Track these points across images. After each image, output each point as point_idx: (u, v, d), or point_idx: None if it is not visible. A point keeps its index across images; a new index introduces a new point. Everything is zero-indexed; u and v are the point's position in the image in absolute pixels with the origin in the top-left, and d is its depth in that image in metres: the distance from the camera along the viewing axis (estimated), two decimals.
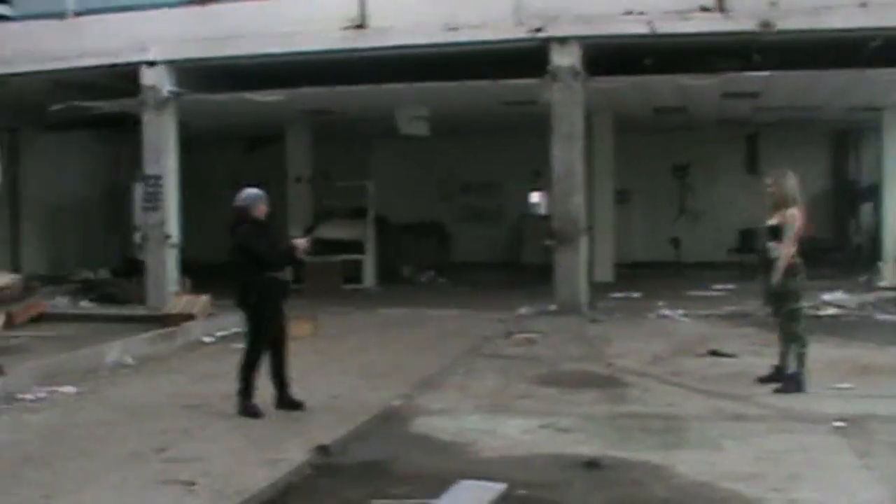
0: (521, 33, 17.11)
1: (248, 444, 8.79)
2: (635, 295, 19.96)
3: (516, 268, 27.68)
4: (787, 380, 10.85)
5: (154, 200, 18.76)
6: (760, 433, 9.05)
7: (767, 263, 11.14)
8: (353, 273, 22.48)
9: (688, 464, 8.00)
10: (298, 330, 14.82)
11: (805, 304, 11.36)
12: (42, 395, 11.16)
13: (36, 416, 10.20)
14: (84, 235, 27.06)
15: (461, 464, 8.12)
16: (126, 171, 26.44)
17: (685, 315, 17.17)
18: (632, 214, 28.28)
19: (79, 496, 7.32)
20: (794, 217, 11.01)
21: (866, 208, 27.99)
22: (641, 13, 16.78)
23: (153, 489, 7.45)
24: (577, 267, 17.46)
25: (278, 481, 7.58)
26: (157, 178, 18.80)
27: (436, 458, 8.33)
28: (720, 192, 28.78)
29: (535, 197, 29.59)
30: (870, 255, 25.35)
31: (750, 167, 28.62)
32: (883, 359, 12.75)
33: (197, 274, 19.77)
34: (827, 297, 18.76)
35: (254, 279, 9.74)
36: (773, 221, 11.06)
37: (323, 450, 8.39)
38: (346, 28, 17.64)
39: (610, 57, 17.29)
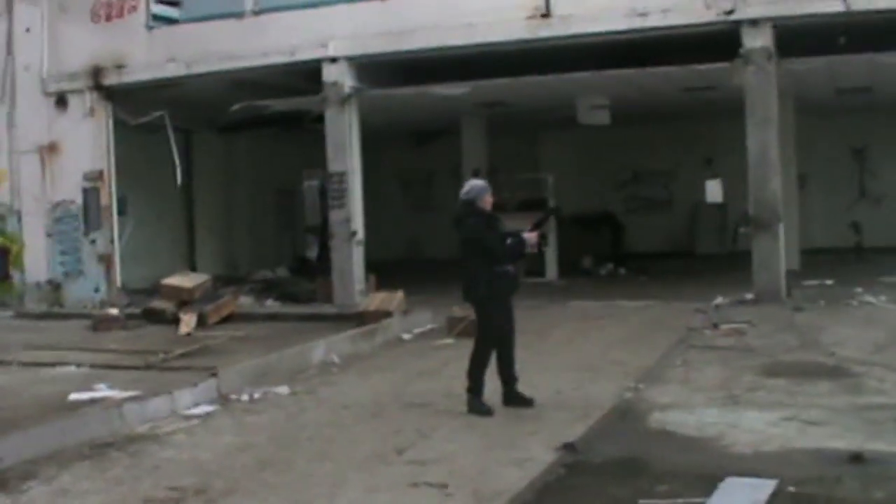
0: (710, 16, 16.60)
1: (487, 443, 8.60)
2: (828, 282, 19.20)
3: (691, 257, 27.15)
4: None
5: (339, 197, 18.79)
6: None
7: None
8: (533, 266, 22.20)
9: None
10: None
11: None
12: (257, 395, 11.17)
13: (259, 418, 10.20)
14: (256, 235, 27.39)
15: (715, 459, 7.79)
16: (299, 170, 26.66)
17: (890, 301, 16.45)
18: (810, 199, 27.35)
19: (332, 501, 7.18)
20: None
21: None
22: None
23: (407, 493, 7.29)
24: (776, 254, 16.92)
25: (534, 482, 7.35)
26: (342, 174, 18.84)
27: (687, 454, 8.00)
28: None
29: (709, 185, 28.81)
30: None
31: None
32: None
33: (372, 270, 19.73)
34: None
35: (482, 273, 9.55)
36: None
37: (570, 448, 8.14)
38: (531, 17, 17.32)
39: (800, 37, 16.63)
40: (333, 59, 18.71)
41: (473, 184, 9.93)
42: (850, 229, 26.77)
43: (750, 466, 7.49)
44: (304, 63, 18.89)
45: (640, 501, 6.83)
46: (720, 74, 17.21)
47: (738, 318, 15.09)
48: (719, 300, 17.04)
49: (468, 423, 9.31)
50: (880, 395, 9.85)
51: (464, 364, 9.84)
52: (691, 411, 9.42)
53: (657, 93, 20.51)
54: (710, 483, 7.04)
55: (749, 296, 17.02)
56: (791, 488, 6.91)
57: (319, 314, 17.37)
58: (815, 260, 23.69)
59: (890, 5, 15.90)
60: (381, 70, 19.07)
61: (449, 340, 14.24)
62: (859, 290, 17.84)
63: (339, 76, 18.71)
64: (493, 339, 9.73)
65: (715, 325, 14.60)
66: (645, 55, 17.08)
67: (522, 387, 9.96)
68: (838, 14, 16.08)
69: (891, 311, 15.70)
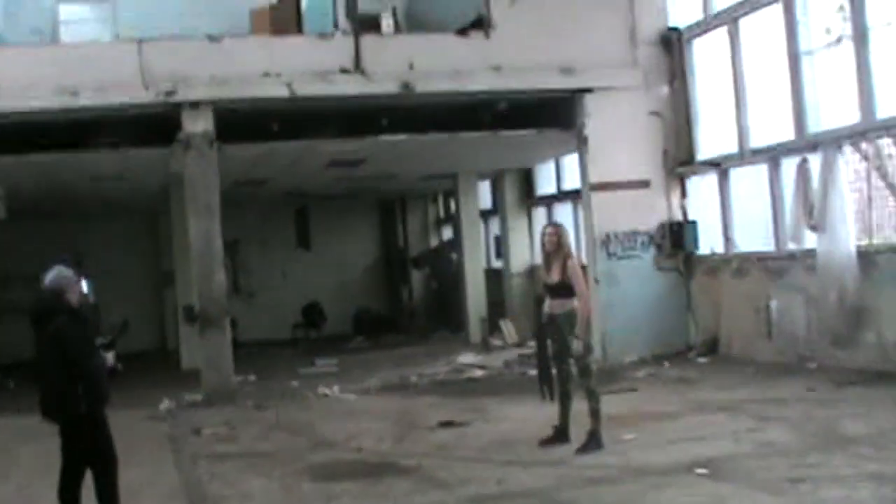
0: (150, 97, 15.29)
1: None
2: (251, 377, 18.40)
3: None
4: (590, 438, 10.35)
5: None
6: (643, 492, 8.45)
7: (552, 321, 10.62)
8: None
9: None
10: None
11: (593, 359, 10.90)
12: None
13: None
14: None
15: None
16: None
17: (345, 392, 16.19)
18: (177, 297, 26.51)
19: None
20: (578, 268, 10.66)
21: (417, 276, 28.47)
22: (279, 74, 15.73)
23: None
24: (225, 351, 15.89)
25: None
26: None
27: None
28: (274, 268, 27.96)
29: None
30: (438, 318, 25.87)
31: (301, 241, 28.16)
32: (609, 407, 12.52)
33: None
34: (462, 359, 18.61)
35: (75, 383, 7.55)
36: (552, 279, 10.55)
37: None
38: None
39: (239, 123, 15.99)
40: None
41: (60, 271, 7.90)
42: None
43: None
44: None
45: None
46: (156, 160, 16.01)
47: (209, 423, 13.83)
48: (166, 404, 15.61)
49: None
50: (468, 485, 9.30)
51: None
52: None
53: (66, 183, 18.61)
54: None
55: (197, 397, 15.82)
56: None
57: None
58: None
59: (333, 92, 15.86)
60: None
61: None
62: (295, 383, 17.48)
63: None
64: (115, 458, 7.78)
65: (196, 432, 13.25)
66: (74, 138, 15.33)
67: None
68: (284, 99, 15.70)
69: (354, 401, 15.46)
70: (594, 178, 17.29)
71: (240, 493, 9.72)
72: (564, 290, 10.45)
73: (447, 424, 12.44)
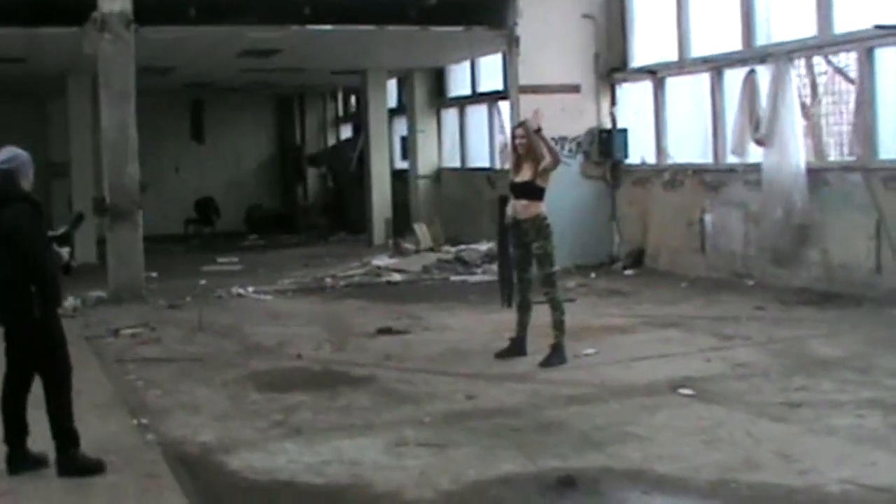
0: None
1: None
2: (153, 274, 17.45)
3: None
4: (553, 351, 9.89)
5: None
6: (634, 413, 7.98)
7: (517, 226, 10.05)
8: None
9: (656, 462, 6.72)
10: None
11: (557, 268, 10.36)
12: None
13: None
14: None
15: None
16: None
17: (259, 292, 15.47)
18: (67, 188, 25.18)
19: None
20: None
21: (312, 174, 27.68)
22: None
23: None
24: (136, 246, 14.99)
25: None
26: None
27: None
28: (167, 162, 26.71)
29: None
30: (336, 218, 25.18)
31: (195, 134, 27.03)
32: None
33: None
34: (377, 262, 17.98)
35: (27, 283, 6.65)
36: (523, 178, 9.97)
37: None
38: None
39: (157, 4, 14.89)
40: None
41: (13, 151, 6.80)
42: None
43: None
44: None
45: None
46: (64, 42, 14.86)
47: (125, 322, 12.98)
48: (71, 301, 14.58)
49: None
50: (440, 401, 8.68)
51: None
52: (266, 450, 7.40)
53: None
54: None
55: (102, 294, 14.89)
56: None
57: None
58: None
59: None
60: None
61: None
62: (203, 282, 16.74)
63: None
64: (70, 368, 6.94)
65: (114, 332, 12.41)
66: None
67: None
68: None
69: (273, 301, 14.88)
70: (523, 80, 16.64)
71: (182, 403, 8.99)
72: (532, 190, 9.90)
73: (386, 331, 11.89)
